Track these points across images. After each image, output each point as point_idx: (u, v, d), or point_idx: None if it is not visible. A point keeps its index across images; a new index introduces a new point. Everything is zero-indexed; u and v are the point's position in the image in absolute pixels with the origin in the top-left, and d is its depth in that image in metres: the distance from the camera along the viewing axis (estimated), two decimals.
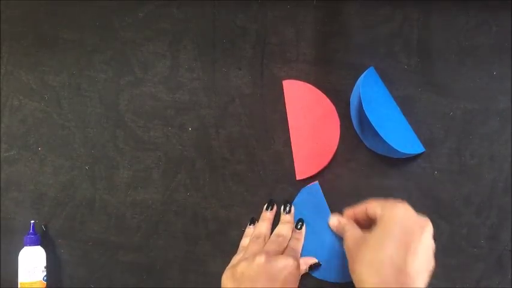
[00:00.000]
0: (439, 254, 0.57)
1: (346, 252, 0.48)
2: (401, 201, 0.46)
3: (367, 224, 0.50)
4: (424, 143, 0.58)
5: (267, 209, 0.57)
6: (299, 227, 0.56)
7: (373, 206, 0.47)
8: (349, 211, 0.53)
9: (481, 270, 0.57)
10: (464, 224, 0.57)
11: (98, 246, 0.58)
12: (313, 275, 0.54)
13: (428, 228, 0.44)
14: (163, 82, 0.60)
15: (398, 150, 0.54)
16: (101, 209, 0.59)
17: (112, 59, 0.60)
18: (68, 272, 0.58)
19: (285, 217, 0.56)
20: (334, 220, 0.54)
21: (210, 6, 0.61)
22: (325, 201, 0.57)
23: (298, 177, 0.58)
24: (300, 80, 0.59)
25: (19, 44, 0.60)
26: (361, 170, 0.58)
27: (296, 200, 0.57)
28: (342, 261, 0.55)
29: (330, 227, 0.55)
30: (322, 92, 0.59)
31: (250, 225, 0.57)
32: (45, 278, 0.56)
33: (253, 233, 0.55)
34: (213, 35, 0.61)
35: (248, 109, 0.60)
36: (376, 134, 0.53)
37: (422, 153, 0.58)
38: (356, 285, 0.42)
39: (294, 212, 0.57)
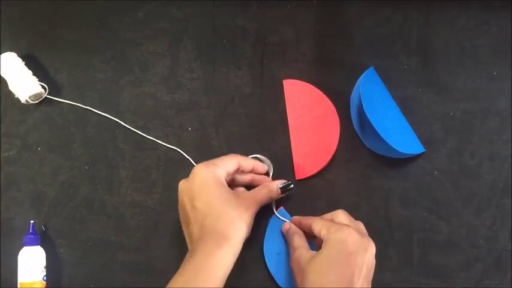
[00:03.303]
0: (439, 254, 0.57)
1: (294, 267, 0.49)
2: (345, 225, 0.48)
3: (310, 234, 0.52)
4: (424, 143, 0.58)
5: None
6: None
7: (319, 226, 0.49)
8: (296, 219, 0.55)
9: (480, 270, 0.57)
10: (463, 224, 0.57)
11: (97, 246, 0.58)
12: None
13: (371, 249, 0.47)
14: (163, 82, 0.60)
15: (398, 150, 0.54)
16: (100, 209, 0.59)
17: (112, 59, 0.60)
18: (67, 272, 0.58)
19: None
20: (286, 226, 0.55)
21: (210, 6, 0.61)
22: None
23: (297, 177, 0.58)
24: (300, 80, 0.59)
25: (19, 44, 0.60)
26: (361, 170, 0.58)
27: (268, 229, 0.56)
28: None
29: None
30: (322, 92, 0.59)
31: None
32: (44, 278, 0.56)
33: None
34: (213, 35, 0.61)
35: (248, 109, 0.60)
36: (376, 134, 0.53)
37: (422, 153, 0.58)
38: None
39: (268, 244, 0.56)
